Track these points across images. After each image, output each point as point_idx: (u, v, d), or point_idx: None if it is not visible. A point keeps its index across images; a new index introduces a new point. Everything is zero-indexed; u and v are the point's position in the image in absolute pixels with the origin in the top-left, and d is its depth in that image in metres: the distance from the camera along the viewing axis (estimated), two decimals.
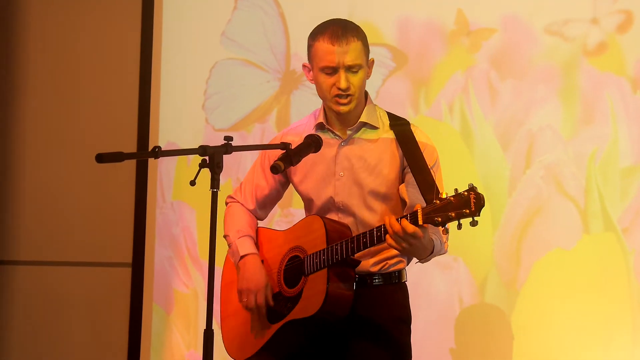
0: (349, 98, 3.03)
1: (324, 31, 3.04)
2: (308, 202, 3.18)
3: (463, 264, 4.41)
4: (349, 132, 3.09)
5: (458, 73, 4.47)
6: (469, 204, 2.65)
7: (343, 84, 3.00)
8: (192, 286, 4.82)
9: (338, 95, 3.03)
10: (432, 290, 4.42)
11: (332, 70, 3.02)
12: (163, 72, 4.91)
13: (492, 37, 4.45)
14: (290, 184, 3.26)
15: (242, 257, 3.17)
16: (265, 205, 3.30)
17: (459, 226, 2.68)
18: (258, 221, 3.32)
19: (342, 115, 3.08)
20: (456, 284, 4.43)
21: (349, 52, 2.99)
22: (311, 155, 3.05)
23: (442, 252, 2.99)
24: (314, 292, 2.96)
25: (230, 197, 3.34)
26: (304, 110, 4.38)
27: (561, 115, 4.35)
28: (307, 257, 3.02)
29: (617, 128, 4.29)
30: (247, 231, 3.23)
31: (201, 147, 2.78)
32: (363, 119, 3.09)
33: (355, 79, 3.03)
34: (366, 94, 3.13)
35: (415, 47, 4.55)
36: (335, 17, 3.12)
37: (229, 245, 3.25)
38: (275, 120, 4.72)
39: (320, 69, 3.04)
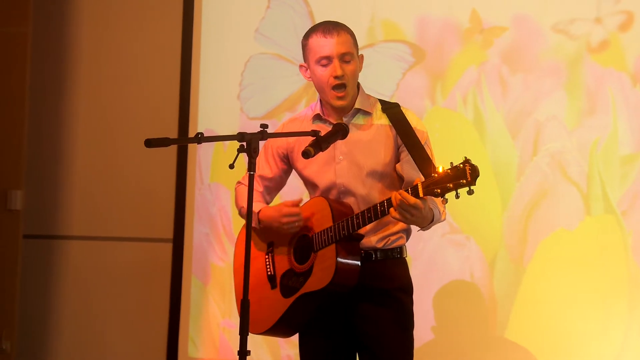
0: (344, 91, 3.10)
1: (315, 29, 3.15)
2: (312, 186, 3.23)
3: (474, 242, 4.50)
4: (345, 120, 3.15)
5: (472, 67, 4.55)
6: (465, 175, 2.75)
7: (338, 71, 3.07)
8: (227, 260, 4.88)
9: (335, 87, 3.09)
10: (446, 267, 4.51)
11: (328, 60, 3.09)
12: (202, 66, 4.99)
13: (504, 34, 4.51)
14: (293, 171, 3.32)
15: (257, 213, 3.21)
16: (270, 190, 3.35)
17: (457, 195, 2.79)
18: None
19: (339, 108, 3.16)
20: (468, 260, 4.50)
21: (341, 43, 3.08)
22: None
23: (441, 220, 3.07)
24: (324, 266, 3.05)
25: (239, 182, 3.39)
26: None
27: (566, 107, 4.41)
28: (315, 235, 3.10)
29: (617, 119, 4.35)
30: (257, 199, 3.28)
31: (239, 133, 2.83)
32: (357, 105, 3.15)
33: (348, 69, 3.09)
34: (358, 85, 3.19)
35: (433, 44, 4.61)
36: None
37: (243, 217, 3.27)
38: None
39: (316, 61, 3.11)
